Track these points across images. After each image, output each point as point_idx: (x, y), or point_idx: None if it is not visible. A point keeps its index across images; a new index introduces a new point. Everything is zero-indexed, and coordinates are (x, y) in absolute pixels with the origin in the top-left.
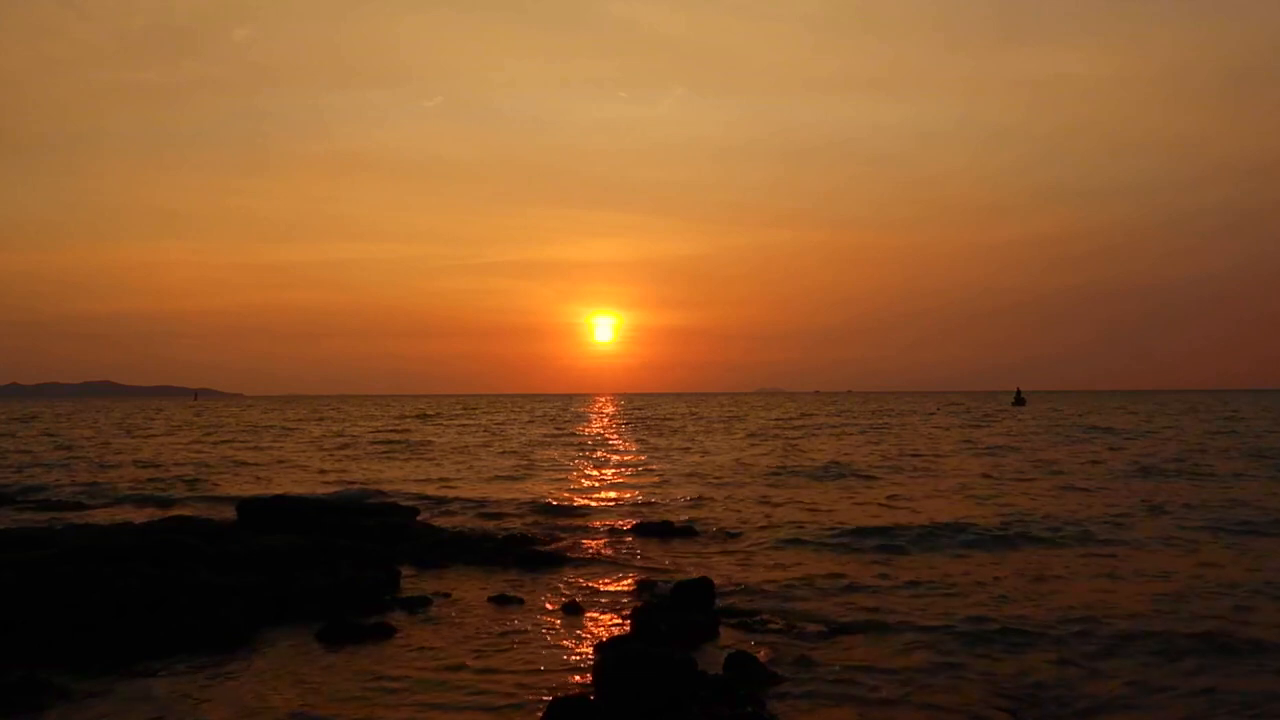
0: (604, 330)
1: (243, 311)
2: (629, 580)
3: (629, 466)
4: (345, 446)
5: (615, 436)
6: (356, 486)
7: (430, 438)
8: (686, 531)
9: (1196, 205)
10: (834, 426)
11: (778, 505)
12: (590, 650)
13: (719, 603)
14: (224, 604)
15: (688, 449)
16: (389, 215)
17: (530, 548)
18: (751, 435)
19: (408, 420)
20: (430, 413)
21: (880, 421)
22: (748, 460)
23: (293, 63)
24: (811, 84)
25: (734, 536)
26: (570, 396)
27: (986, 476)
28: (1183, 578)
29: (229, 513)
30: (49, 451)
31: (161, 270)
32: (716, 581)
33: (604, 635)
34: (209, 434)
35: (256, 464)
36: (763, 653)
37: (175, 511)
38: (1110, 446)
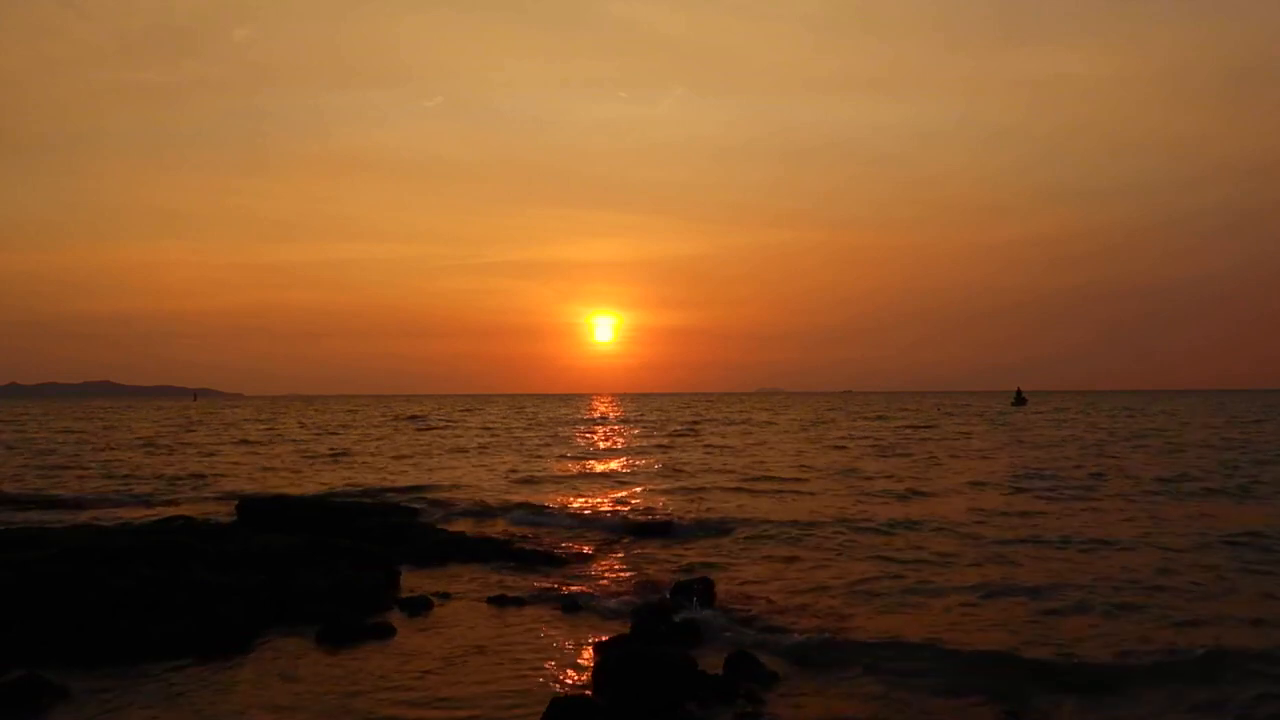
0: (604, 330)
1: (243, 311)
2: (629, 580)
3: (630, 467)
4: (344, 453)
5: (616, 437)
6: (356, 487)
7: (430, 439)
8: (688, 532)
9: (1196, 205)
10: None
11: (781, 505)
12: (590, 650)
13: (719, 603)
14: (223, 604)
15: (691, 450)
16: (389, 215)
17: (530, 547)
18: (759, 436)
19: (406, 421)
20: (429, 413)
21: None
22: (755, 462)
23: (293, 63)
24: (811, 84)
25: (735, 536)
26: (570, 396)
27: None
28: None
29: (229, 512)
30: (49, 452)
31: (161, 270)
32: (717, 581)
33: (604, 635)
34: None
35: (255, 465)
36: (763, 653)
37: (174, 511)
38: None
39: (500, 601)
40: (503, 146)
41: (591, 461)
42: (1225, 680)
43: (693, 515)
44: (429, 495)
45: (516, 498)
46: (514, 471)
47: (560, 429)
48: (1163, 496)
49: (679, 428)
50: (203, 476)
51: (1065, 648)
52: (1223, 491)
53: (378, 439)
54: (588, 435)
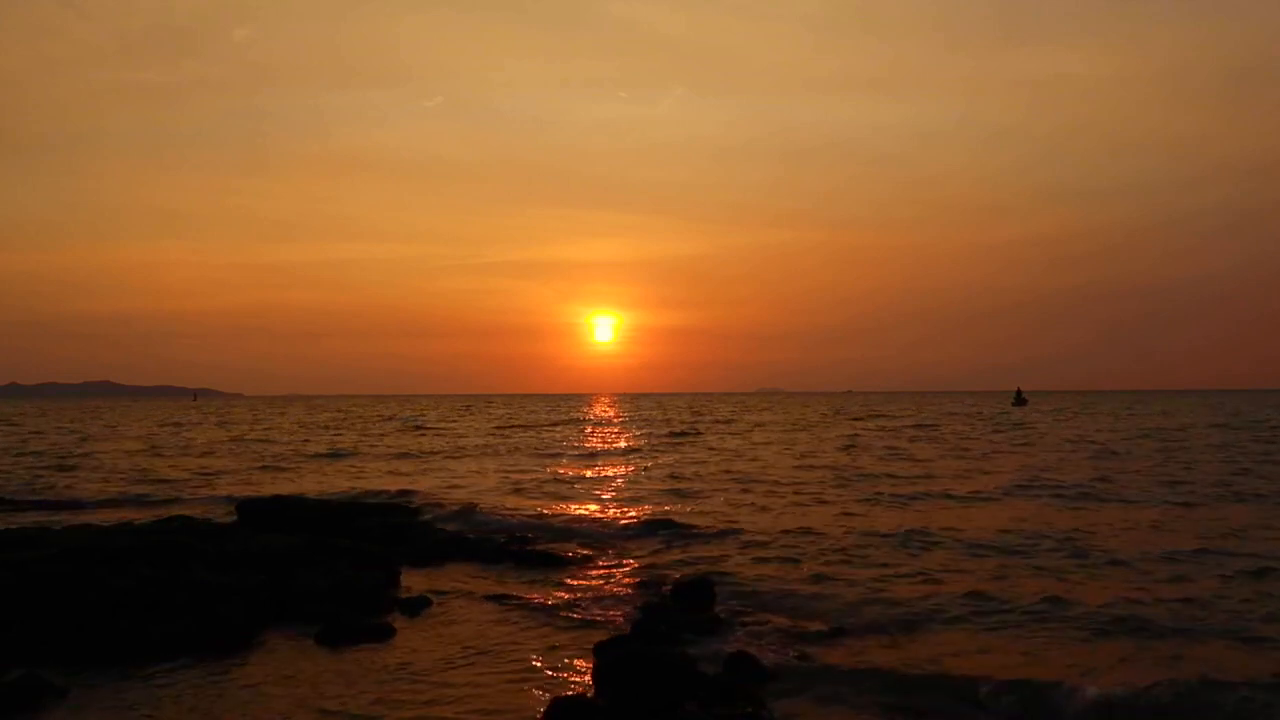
0: (604, 330)
1: (243, 311)
2: (629, 580)
3: (630, 468)
4: (343, 454)
5: (616, 438)
6: (355, 489)
7: (429, 439)
8: (687, 531)
9: (1196, 205)
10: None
11: (780, 506)
12: (590, 650)
13: (719, 602)
14: (223, 604)
15: (691, 451)
16: (389, 215)
17: (530, 548)
18: (759, 437)
19: (405, 421)
20: (428, 413)
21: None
22: (756, 463)
23: (293, 63)
24: (811, 84)
25: (735, 536)
26: (570, 396)
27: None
28: None
29: (229, 513)
30: (48, 453)
31: (161, 270)
32: (716, 581)
33: (604, 635)
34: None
35: (254, 465)
36: (763, 653)
37: (174, 511)
38: None
39: (500, 601)
40: (503, 146)
41: (591, 462)
42: (1224, 710)
43: (693, 516)
44: (427, 496)
45: (516, 498)
46: (513, 472)
47: (560, 429)
48: (1170, 501)
49: (680, 428)
50: (202, 476)
51: (1070, 666)
52: (1229, 495)
53: (377, 438)
54: (588, 436)
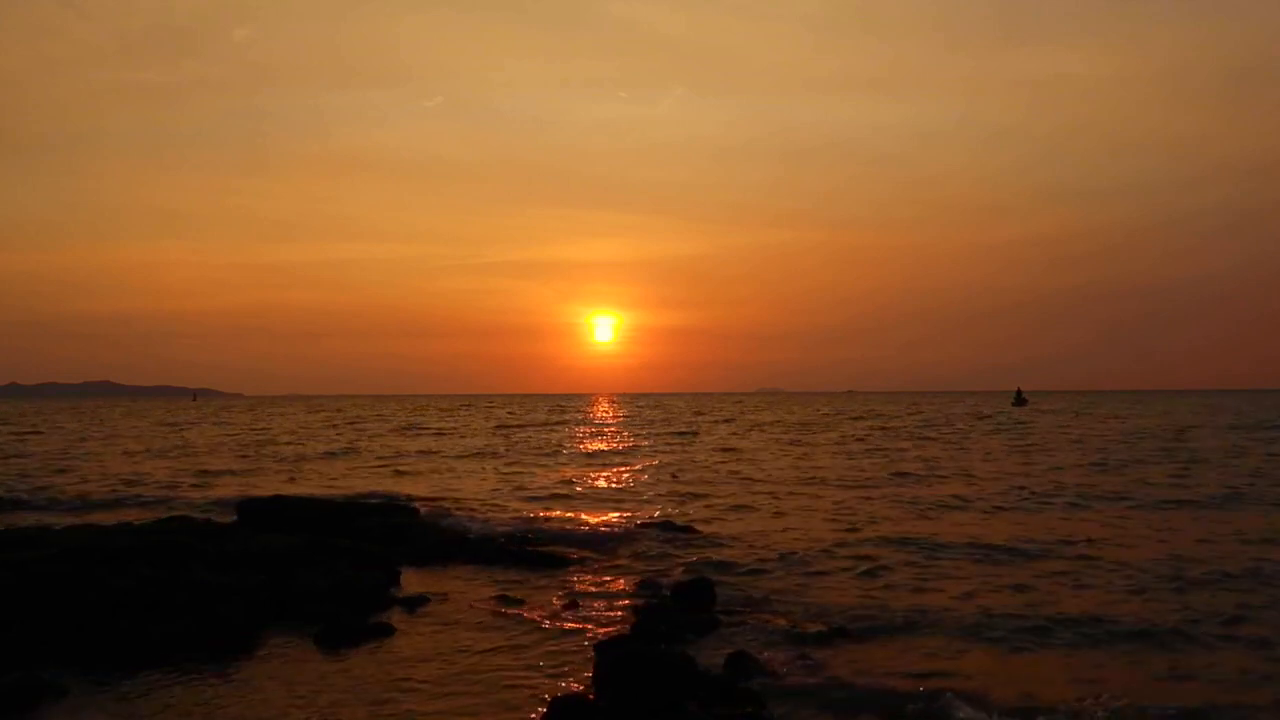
0: (604, 330)
1: (243, 311)
2: (629, 580)
3: (630, 469)
4: (342, 454)
5: (617, 439)
6: (354, 490)
7: (429, 439)
8: (688, 532)
9: (1196, 205)
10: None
11: (781, 507)
12: (590, 650)
13: (719, 603)
14: (223, 604)
15: (692, 451)
16: (389, 215)
17: (530, 548)
18: (759, 437)
19: (405, 421)
20: (428, 412)
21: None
22: (757, 464)
23: (293, 63)
24: (811, 84)
25: (735, 537)
26: (570, 396)
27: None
28: None
29: (229, 513)
30: (48, 453)
31: (161, 270)
32: (716, 581)
33: (604, 635)
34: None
35: (254, 466)
36: (763, 653)
37: (174, 512)
38: None
39: (500, 601)
40: (503, 146)
41: (591, 463)
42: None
43: (694, 517)
44: (427, 497)
45: (516, 499)
46: (513, 472)
47: (560, 429)
48: (1172, 504)
49: (680, 429)
50: (202, 476)
51: (1068, 675)
52: (1232, 498)
53: (377, 438)
54: (587, 436)
